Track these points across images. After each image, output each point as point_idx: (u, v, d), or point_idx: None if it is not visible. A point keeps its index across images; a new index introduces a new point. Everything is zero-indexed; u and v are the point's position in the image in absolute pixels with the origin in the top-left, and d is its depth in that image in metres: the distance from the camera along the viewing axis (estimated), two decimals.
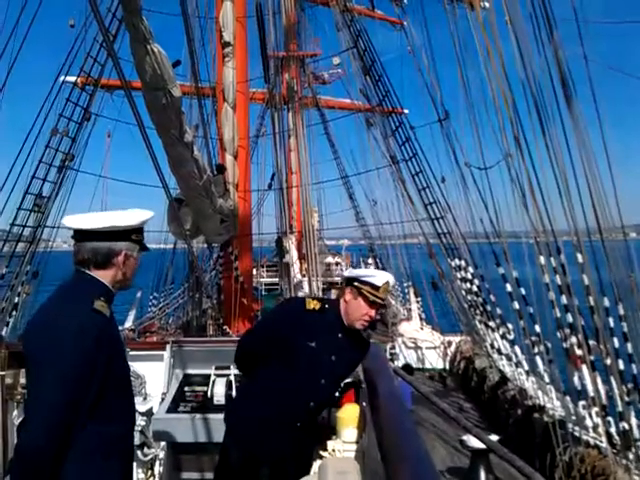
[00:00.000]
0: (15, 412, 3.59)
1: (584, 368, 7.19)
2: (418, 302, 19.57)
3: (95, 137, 14.79)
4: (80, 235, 2.38)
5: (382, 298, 3.25)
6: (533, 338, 8.91)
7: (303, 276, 18.32)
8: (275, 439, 3.23)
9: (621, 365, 6.94)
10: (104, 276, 2.39)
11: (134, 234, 2.45)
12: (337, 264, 29.06)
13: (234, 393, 4.73)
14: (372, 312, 3.24)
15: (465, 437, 6.69)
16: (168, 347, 5.18)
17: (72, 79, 13.29)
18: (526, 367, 9.70)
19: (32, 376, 2.25)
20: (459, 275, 12.28)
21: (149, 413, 4.74)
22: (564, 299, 7.49)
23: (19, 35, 9.73)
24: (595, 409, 7.14)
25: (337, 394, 4.63)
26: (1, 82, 10.00)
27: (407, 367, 10.86)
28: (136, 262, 2.53)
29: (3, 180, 11.62)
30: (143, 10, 2.62)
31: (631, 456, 6.50)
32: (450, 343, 15.30)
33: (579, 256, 7.11)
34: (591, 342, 7.18)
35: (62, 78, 13.11)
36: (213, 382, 4.78)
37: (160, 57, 2.89)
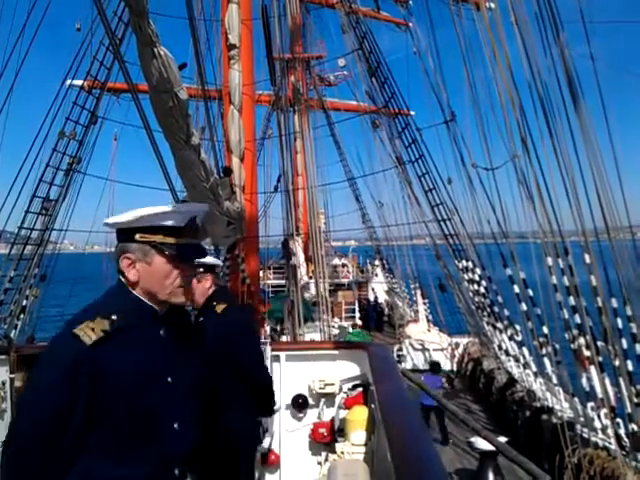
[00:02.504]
0: None
1: (592, 369, 7.17)
2: (425, 304, 19.55)
3: (102, 140, 14.88)
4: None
5: None
6: (541, 339, 8.89)
7: (310, 278, 18.34)
8: None
9: (630, 366, 6.92)
10: (131, 285, 2.02)
11: (138, 233, 1.97)
12: (344, 266, 29.01)
13: None
14: None
15: (473, 439, 6.68)
16: None
17: (79, 82, 13.36)
18: (534, 368, 9.68)
19: None
20: (466, 277, 12.26)
21: None
22: (572, 300, 7.47)
23: (26, 39, 9.81)
24: (604, 410, 7.12)
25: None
26: (8, 86, 10.05)
27: (434, 364, 10.75)
28: (156, 269, 2.00)
29: (11, 183, 11.69)
30: (149, 13, 2.61)
31: None
32: (457, 345, 15.29)
33: (587, 257, 7.08)
34: (599, 343, 7.15)
35: (69, 82, 13.20)
36: None
37: (167, 60, 2.88)
